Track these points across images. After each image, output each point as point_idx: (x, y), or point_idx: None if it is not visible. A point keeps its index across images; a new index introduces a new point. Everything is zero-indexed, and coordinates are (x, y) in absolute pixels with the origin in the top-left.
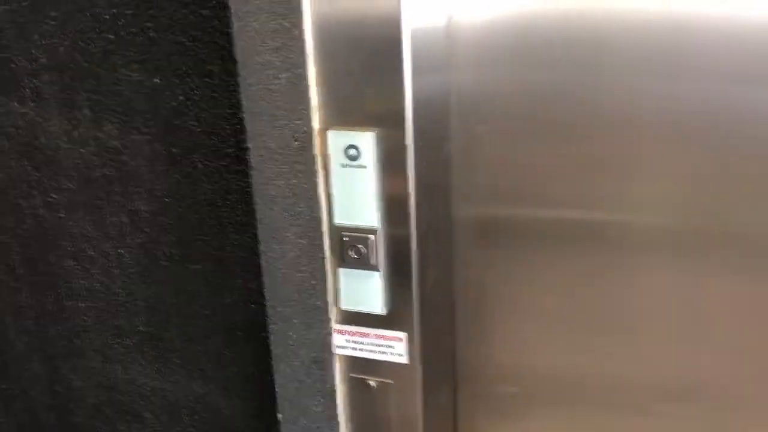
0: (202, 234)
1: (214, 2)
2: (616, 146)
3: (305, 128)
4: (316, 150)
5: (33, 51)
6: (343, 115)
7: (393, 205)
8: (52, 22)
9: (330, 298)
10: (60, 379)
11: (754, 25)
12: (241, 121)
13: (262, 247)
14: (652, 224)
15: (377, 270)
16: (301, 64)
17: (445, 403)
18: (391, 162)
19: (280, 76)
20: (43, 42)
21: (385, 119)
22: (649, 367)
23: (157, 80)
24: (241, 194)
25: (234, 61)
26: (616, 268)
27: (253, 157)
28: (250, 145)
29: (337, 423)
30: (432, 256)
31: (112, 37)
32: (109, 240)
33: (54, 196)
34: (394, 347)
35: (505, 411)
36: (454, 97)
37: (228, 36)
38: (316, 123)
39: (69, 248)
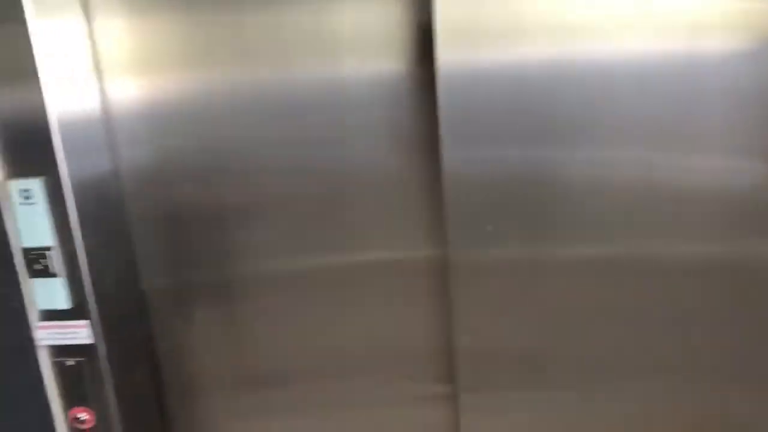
0: None
1: None
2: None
3: None
4: (3, 194)
5: None
6: (19, 170)
7: (62, 230)
8: None
9: (31, 301)
10: None
11: None
12: None
13: None
14: None
15: (58, 276)
16: None
17: (140, 375)
18: (56, 200)
19: None
20: None
21: (47, 172)
22: None
23: None
24: None
25: None
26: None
27: None
28: None
29: (47, 395)
30: (107, 266)
31: None
32: None
33: None
34: (80, 333)
35: (205, 387)
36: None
37: None
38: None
39: None
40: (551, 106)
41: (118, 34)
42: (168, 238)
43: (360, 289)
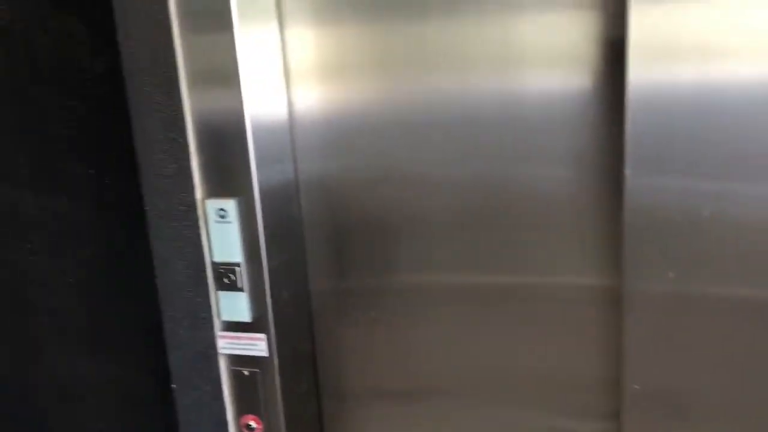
0: (119, 264)
1: (123, 125)
2: (424, 210)
3: (189, 198)
4: (199, 212)
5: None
6: (215, 189)
7: (250, 248)
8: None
9: (215, 312)
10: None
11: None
12: (141, 194)
13: (157, 273)
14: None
15: (243, 291)
16: (186, 159)
17: (306, 391)
18: (247, 219)
19: (169, 166)
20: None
21: (241, 191)
22: None
23: (92, 171)
24: (143, 239)
25: (136, 159)
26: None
27: (150, 216)
28: (147, 208)
29: (224, 401)
30: (284, 282)
31: (65, 146)
32: (62, 272)
33: (27, 244)
34: (258, 345)
35: (360, 399)
36: (299, 175)
37: (132, 144)
38: (198, 195)
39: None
40: (755, 136)
41: (305, 43)
42: (334, 250)
43: (521, 312)
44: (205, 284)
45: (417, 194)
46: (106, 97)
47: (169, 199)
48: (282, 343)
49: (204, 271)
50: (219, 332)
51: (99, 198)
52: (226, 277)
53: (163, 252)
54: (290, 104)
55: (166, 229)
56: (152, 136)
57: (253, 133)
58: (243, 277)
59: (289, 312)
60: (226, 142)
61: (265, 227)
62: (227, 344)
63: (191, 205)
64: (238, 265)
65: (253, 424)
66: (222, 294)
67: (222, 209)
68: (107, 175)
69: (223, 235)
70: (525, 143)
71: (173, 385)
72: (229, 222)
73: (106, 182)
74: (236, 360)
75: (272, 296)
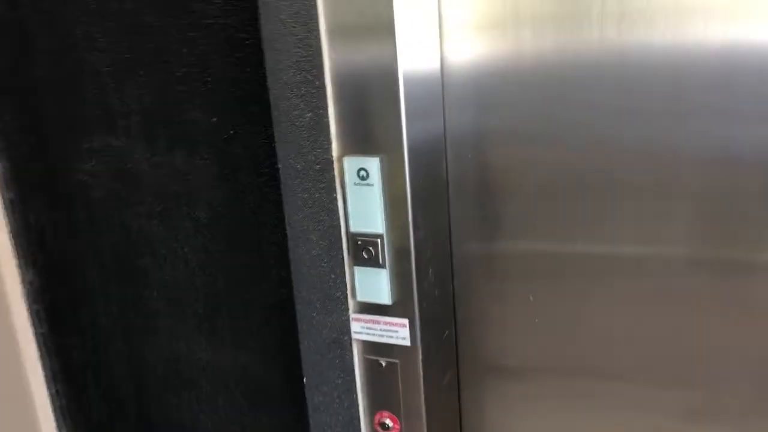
0: (245, 233)
1: (253, 63)
2: (590, 180)
3: (325, 155)
4: (336, 172)
5: (126, 99)
6: (355, 145)
7: (395, 216)
8: (142, 78)
9: (348, 291)
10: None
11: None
12: (273, 149)
13: (290, 245)
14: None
15: (384, 267)
16: (323, 107)
17: (447, 383)
18: (392, 181)
19: (304, 115)
20: (134, 92)
21: (387, 148)
22: None
23: (214, 119)
24: (274, 203)
25: (268, 105)
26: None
27: (283, 176)
28: (280, 166)
29: (356, 395)
30: (430, 257)
31: (183, 88)
32: (177, 241)
33: (138, 207)
34: (398, 332)
35: (507, 396)
36: (448, 132)
37: (264, 87)
38: (334, 152)
39: (147, 248)
40: None
41: None
42: (482, 216)
43: (701, 291)
44: (341, 258)
45: (581, 157)
46: (233, 29)
47: (303, 155)
48: (426, 330)
49: (339, 242)
50: (353, 314)
51: (222, 151)
52: (364, 251)
53: (295, 220)
54: (443, 56)
55: (299, 191)
56: (286, 76)
57: (405, 83)
58: (385, 250)
59: (434, 293)
60: (371, 89)
61: (413, 192)
62: (362, 328)
63: (327, 164)
64: (379, 236)
65: (388, 422)
66: (359, 270)
67: (363, 169)
68: (232, 125)
69: (362, 201)
70: (725, 102)
71: (303, 377)
72: (370, 185)
73: (231, 133)
74: (371, 348)
75: (418, 275)
